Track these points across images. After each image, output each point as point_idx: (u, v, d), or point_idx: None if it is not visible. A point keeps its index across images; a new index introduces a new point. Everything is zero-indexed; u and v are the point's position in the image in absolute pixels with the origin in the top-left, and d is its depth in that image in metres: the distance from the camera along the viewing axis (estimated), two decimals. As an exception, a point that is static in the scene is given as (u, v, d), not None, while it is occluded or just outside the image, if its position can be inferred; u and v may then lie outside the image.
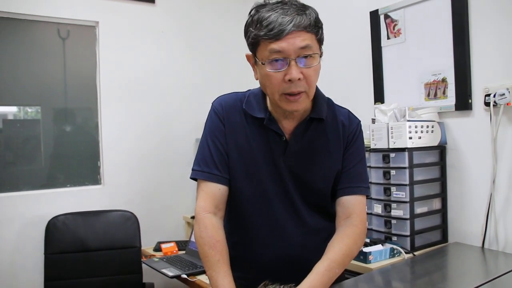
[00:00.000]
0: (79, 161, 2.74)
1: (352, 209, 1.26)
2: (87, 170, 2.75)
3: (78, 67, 2.74)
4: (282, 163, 1.24)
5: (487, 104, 1.83)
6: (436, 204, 1.98)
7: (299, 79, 1.11)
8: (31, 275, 2.47)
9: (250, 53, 1.21)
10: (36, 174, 2.64)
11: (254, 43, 1.15)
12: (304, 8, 1.13)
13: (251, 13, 1.15)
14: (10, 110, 2.62)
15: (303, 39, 1.09)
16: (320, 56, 1.15)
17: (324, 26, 1.18)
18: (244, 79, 3.00)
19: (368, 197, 1.34)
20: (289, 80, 1.11)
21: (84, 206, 2.59)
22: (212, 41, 3.14)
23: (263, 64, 1.13)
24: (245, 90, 1.34)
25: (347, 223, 1.24)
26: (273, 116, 1.24)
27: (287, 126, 1.25)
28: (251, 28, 1.14)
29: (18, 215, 2.47)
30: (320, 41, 1.16)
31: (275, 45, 1.09)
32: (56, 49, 2.68)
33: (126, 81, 2.81)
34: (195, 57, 3.08)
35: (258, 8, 1.14)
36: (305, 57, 1.11)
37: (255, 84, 1.27)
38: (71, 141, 2.74)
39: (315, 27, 1.13)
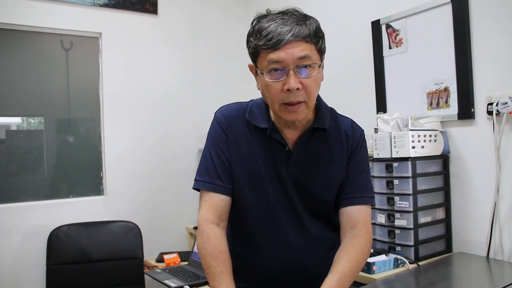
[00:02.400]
0: (81, 171, 2.74)
1: (357, 219, 1.25)
2: (89, 181, 2.76)
3: (81, 77, 2.76)
4: (285, 173, 1.24)
5: (489, 113, 1.83)
6: (440, 213, 1.97)
7: (297, 89, 1.11)
8: (33, 286, 2.46)
9: (252, 63, 1.22)
10: (39, 184, 2.64)
11: (254, 53, 1.16)
12: (304, 18, 1.13)
13: (253, 24, 1.16)
14: (13, 121, 2.63)
15: (301, 49, 1.10)
16: (319, 66, 1.15)
17: (325, 37, 1.19)
18: (247, 90, 3.02)
19: (373, 206, 1.33)
20: (288, 90, 1.11)
21: (86, 217, 2.59)
22: (214, 52, 3.15)
23: (262, 73, 1.14)
24: (247, 100, 1.34)
25: (353, 234, 1.23)
26: (276, 126, 1.24)
27: (290, 136, 1.25)
28: (251, 38, 1.15)
29: (21, 225, 2.47)
30: (320, 51, 1.16)
31: (274, 55, 1.10)
32: (59, 60, 2.70)
33: (129, 91, 2.82)
34: (198, 68, 3.09)
35: (259, 18, 1.16)
36: (305, 67, 1.11)
37: (258, 94, 1.27)
38: (74, 151, 2.75)
39: (315, 37, 1.13)
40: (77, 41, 2.74)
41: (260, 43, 1.11)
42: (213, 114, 1.32)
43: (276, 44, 1.09)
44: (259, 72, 1.16)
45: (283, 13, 1.14)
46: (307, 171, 1.25)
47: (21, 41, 2.57)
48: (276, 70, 1.11)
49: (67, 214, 2.57)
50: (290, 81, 1.10)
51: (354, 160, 1.29)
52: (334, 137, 1.28)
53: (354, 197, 1.26)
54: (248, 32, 1.18)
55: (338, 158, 1.28)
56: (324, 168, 1.26)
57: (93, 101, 2.78)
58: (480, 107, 1.89)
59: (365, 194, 1.28)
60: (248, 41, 1.18)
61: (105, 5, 2.74)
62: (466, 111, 1.93)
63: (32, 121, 2.69)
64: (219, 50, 3.17)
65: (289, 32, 1.08)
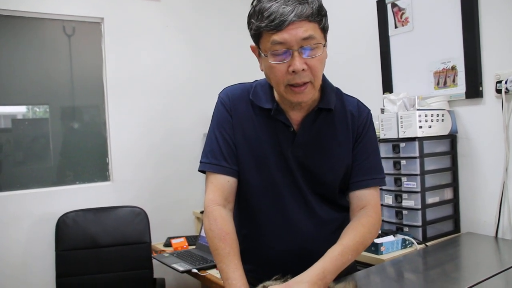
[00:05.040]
0: (87, 158, 2.75)
1: (367, 201, 1.25)
2: (95, 167, 2.76)
3: (84, 64, 2.74)
4: (290, 154, 1.23)
5: (498, 91, 1.80)
6: (448, 194, 1.96)
7: (303, 70, 1.09)
8: (43, 272, 2.48)
9: (254, 44, 1.19)
10: (45, 172, 2.65)
11: (256, 35, 1.13)
12: None
13: (253, 3, 1.13)
14: (19, 110, 2.64)
15: (305, 30, 1.07)
16: (324, 45, 1.13)
17: (330, 16, 1.16)
18: (249, 72, 2.99)
19: (382, 187, 1.33)
20: (293, 72, 1.09)
21: (93, 203, 2.60)
22: (216, 35, 3.12)
23: (266, 56, 1.11)
24: (251, 81, 1.32)
25: (362, 213, 1.23)
26: (281, 107, 1.23)
27: (295, 116, 1.24)
28: (252, 20, 1.12)
29: (29, 213, 2.48)
30: (324, 30, 1.13)
31: (277, 37, 1.07)
32: (62, 46, 2.68)
33: (132, 77, 2.81)
34: (200, 51, 3.06)
35: None
36: (309, 47, 1.09)
37: (260, 76, 1.25)
38: (80, 138, 2.75)
39: (318, 16, 1.10)
40: (79, 26, 2.71)
41: (262, 24, 1.08)
42: (217, 96, 1.31)
43: (279, 25, 1.06)
44: (262, 54, 1.14)
45: None
46: (312, 152, 1.23)
47: (22, 28, 2.55)
48: (280, 51, 1.09)
49: (74, 201, 2.58)
50: (295, 62, 1.08)
51: (362, 143, 1.27)
52: (339, 117, 1.26)
53: (364, 180, 1.26)
54: (249, 13, 1.15)
55: (343, 139, 1.26)
56: (329, 149, 1.25)
57: (97, 88, 2.76)
58: (488, 86, 1.86)
59: (375, 176, 1.27)
60: (249, 23, 1.15)
61: (106, -10, 2.71)
62: (474, 90, 1.90)
63: (38, 109, 2.69)
64: (223, 33, 3.13)
65: (292, 12, 1.05)
